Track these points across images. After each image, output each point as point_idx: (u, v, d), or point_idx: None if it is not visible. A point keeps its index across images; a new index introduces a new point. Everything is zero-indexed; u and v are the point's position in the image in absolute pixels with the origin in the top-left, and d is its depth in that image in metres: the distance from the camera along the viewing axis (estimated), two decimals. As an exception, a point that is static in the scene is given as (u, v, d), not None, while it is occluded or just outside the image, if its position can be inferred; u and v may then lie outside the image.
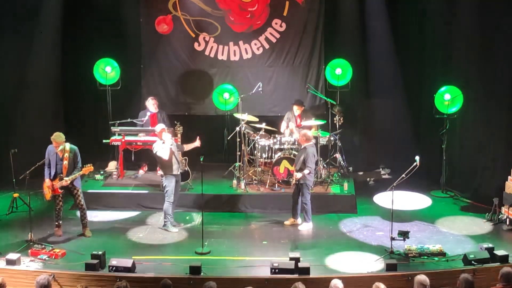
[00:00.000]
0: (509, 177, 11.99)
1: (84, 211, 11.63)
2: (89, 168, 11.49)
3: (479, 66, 12.91)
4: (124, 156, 13.87)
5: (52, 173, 11.33)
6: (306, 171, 11.68)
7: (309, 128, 13.24)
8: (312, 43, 14.88)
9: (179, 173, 12.03)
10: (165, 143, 11.68)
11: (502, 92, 12.63)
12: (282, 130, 13.76)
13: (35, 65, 14.27)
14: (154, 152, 11.73)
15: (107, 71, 14.14)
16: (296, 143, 13.02)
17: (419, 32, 14.25)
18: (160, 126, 11.96)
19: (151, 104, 13.96)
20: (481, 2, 12.71)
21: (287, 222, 12.18)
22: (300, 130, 12.79)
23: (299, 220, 12.09)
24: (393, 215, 10.84)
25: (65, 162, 11.30)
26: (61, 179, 11.28)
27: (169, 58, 15.09)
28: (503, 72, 12.58)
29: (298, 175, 11.78)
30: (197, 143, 12.38)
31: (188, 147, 12.36)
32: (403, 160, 12.15)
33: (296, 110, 13.75)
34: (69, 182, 11.29)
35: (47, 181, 11.32)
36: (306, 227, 11.94)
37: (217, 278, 9.43)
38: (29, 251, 10.63)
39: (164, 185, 11.84)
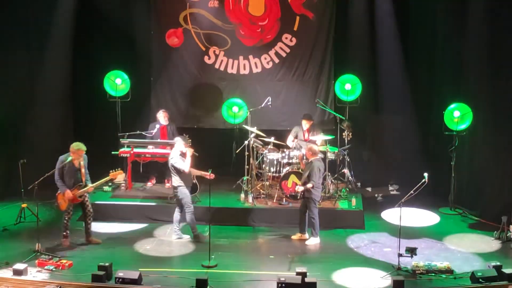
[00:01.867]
0: (517, 195, 11.97)
1: (91, 219, 11.73)
2: (119, 172, 11.65)
3: (489, 83, 12.88)
4: (133, 168, 13.88)
5: (70, 184, 11.40)
6: (309, 185, 11.68)
7: (315, 142, 13.23)
8: (322, 58, 14.93)
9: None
10: (186, 157, 11.70)
11: (512, 109, 12.64)
12: (288, 143, 13.77)
13: (45, 76, 14.36)
14: (173, 163, 11.72)
15: (117, 83, 14.21)
16: (304, 157, 13.01)
17: (429, 49, 14.27)
18: (180, 140, 11.96)
19: (162, 117, 14.01)
20: (491, 19, 12.71)
21: (294, 237, 12.15)
22: (307, 145, 12.79)
23: (306, 235, 12.07)
24: (401, 232, 10.79)
25: (83, 170, 11.46)
26: (82, 187, 11.40)
27: (179, 71, 15.16)
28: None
29: (300, 188, 11.82)
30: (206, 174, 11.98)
31: (195, 172, 12.25)
32: (412, 176, 12.10)
33: (305, 124, 13.77)
34: (93, 189, 11.51)
35: (68, 193, 11.35)
36: (313, 242, 11.91)
37: (223, 291, 9.45)
38: (36, 261, 10.62)
39: (180, 197, 11.82)
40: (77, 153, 11.39)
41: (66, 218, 11.56)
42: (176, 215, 12.02)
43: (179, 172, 11.71)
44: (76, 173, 11.43)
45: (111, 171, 11.59)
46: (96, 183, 11.53)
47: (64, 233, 11.61)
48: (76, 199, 11.46)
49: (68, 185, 11.39)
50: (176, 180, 11.81)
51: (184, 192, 11.81)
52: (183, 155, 11.77)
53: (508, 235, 11.87)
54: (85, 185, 11.44)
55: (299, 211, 12.16)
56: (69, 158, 11.35)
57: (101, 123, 15.03)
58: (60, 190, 11.39)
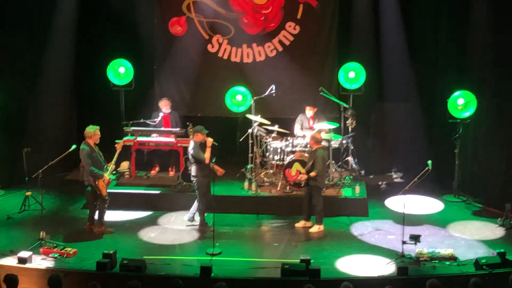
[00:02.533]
0: (521, 182, 11.95)
1: (97, 207, 11.80)
2: (121, 142, 12.25)
3: (493, 71, 12.87)
4: (136, 156, 13.89)
5: (102, 169, 11.52)
6: (312, 173, 11.68)
7: (318, 130, 13.21)
8: (326, 46, 14.89)
9: None
10: (207, 147, 11.70)
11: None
12: (295, 132, 13.75)
13: (49, 65, 14.36)
14: (192, 154, 11.70)
15: (120, 71, 14.20)
16: (308, 145, 13.00)
17: (434, 36, 14.23)
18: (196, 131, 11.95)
19: (163, 105, 14.01)
20: (496, 8, 12.68)
21: (298, 224, 12.16)
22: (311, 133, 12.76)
23: (310, 223, 12.08)
24: (404, 219, 10.81)
25: (101, 153, 11.63)
26: (107, 169, 11.58)
27: (182, 60, 15.12)
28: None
29: (303, 176, 11.82)
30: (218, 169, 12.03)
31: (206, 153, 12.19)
32: (416, 164, 12.15)
33: (309, 111, 13.75)
34: (114, 165, 11.82)
35: (106, 176, 11.53)
36: (317, 229, 11.92)
37: (227, 279, 9.45)
38: (41, 249, 10.66)
39: (197, 187, 11.83)
40: (95, 134, 11.55)
41: (106, 205, 11.67)
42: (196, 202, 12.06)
43: (198, 162, 11.72)
44: (99, 157, 11.58)
45: (115, 145, 11.97)
46: (113, 160, 11.71)
47: (102, 220, 11.70)
48: (109, 181, 11.71)
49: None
50: (194, 170, 11.84)
51: (201, 182, 11.80)
52: (202, 145, 11.76)
53: (512, 222, 11.90)
54: (106, 166, 11.64)
55: (303, 198, 12.16)
56: (73, 146, 11.40)
57: (105, 112, 15.02)
58: (98, 176, 11.45)
